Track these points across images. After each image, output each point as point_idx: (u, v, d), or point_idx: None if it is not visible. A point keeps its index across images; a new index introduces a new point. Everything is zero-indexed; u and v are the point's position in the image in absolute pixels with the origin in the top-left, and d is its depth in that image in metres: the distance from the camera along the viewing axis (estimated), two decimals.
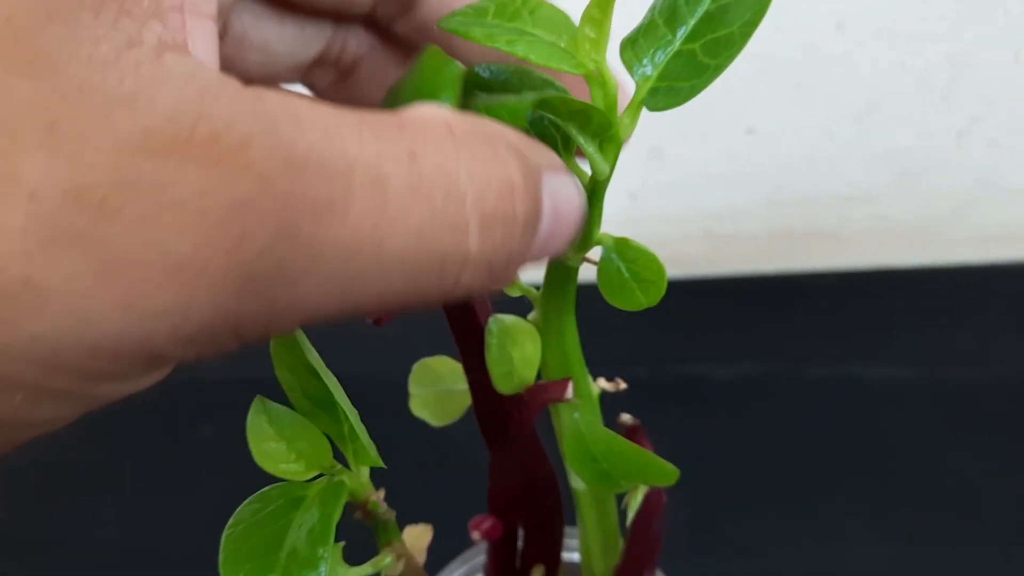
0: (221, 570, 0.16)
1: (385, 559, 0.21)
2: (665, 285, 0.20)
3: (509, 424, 0.23)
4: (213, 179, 0.12)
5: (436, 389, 0.25)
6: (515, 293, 0.23)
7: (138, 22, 0.13)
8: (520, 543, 0.27)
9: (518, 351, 0.21)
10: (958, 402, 0.51)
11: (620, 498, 0.25)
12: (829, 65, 0.50)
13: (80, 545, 0.49)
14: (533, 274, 0.23)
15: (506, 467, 0.24)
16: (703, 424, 0.49)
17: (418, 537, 0.23)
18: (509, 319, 0.21)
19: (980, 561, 0.44)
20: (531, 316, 0.22)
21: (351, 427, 0.17)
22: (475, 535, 0.26)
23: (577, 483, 0.24)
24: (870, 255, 0.58)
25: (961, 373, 0.53)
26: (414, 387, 0.25)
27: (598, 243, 0.20)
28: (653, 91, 0.16)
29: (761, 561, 0.45)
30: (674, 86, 0.16)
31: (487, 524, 0.26)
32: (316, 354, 0.17)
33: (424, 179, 0.14)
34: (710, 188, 0.54)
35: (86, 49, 0.13)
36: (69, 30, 0.13)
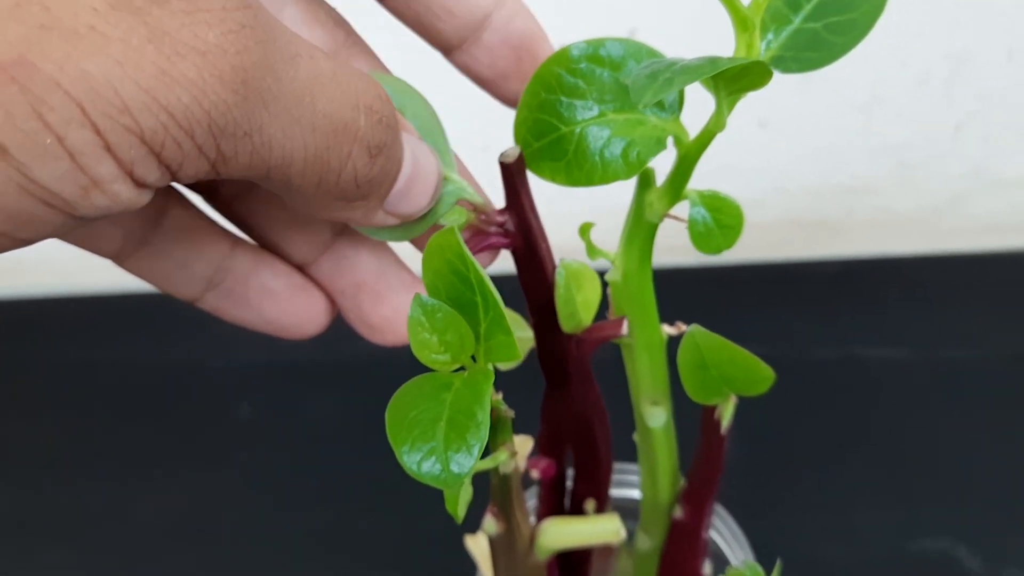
0: (391, 440, 0.18)
1: (502, 455, 0.23)
2: (742, 228, 0.23)
3: (568, 361, 0.25)
4: (234, 6, 0.17)
5: None
6: (593, 257, 0.26)
7: None
8: (569, 483, 0.30)
9: (581, 295, 0.24)
10: (952, 380, 0.55)
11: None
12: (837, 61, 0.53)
13: (117, 524, 0.50)
14: (608, 237, 0.26)
15: (562, 403, 0.27)
16: None
17: (521, 445, 0.25)
18: (575, 264, 0.24)
19: (975, 521, 0.48)
20: (609, 275, 0.25)
21: (487, 327, 0.19)
22: (534, 474, 0.29)
23: (654, 422, 0.27)
24: (871, 244, 0.61)
25: (955, 354, 0.56)
26: None
27: (684, 197, 0.23)
28: (777, 58, 0.19)
29: (777, 523, 0.48)
30: (800, 56, 0.19)
31: (543, 463, 0.29)
32: (470, 255, 0.19)
33: (340, 70, 0.19)
34: (723, 179, 0.56)
35: None
36: None
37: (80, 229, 0.18)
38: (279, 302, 0.26)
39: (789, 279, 0.60)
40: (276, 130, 0.18)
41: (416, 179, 0.21)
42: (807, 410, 0.53)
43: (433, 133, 0.22)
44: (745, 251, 0.62)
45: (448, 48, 0.24)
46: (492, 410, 0.22)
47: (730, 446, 0.28)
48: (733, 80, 0.18)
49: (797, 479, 0.50)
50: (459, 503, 0.21)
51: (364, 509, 0.50)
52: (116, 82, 0.16)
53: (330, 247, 0.26)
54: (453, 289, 0.20)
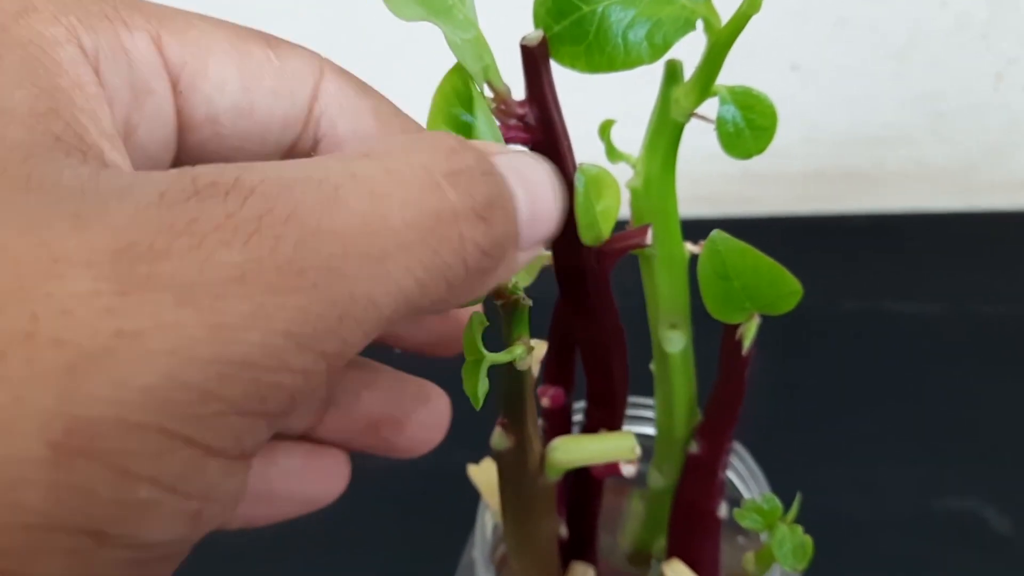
0: None
1: (518, 349, 0.21)
2: (775, 131, 0.21)
3: (587, 276, 0.23)
4: (233, 204, 0.14)
5: None
6: (613, 160, 0.24)
7: (97, 158, 0.15)
8: (578, 416, 0.29)
9: (601, 203, 0.22)
10: (984, 337, 0.53)
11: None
12: (871, 0, 0.51)
13: None
14: (632, 140, 0.24)
15: (577, 322, 0.25)
16: None
17: (536, 347, 0.23)
18: (594, 169, 0.22)
19: (1006, 482, 0.46)
20: (629, 181, 0.23)
21: None
22: (544, 401, 0.28)
23: (672, 346, 0.25)
24: (902, 198, 0.59)
25: (987, 310, 0.54)
26: None
27: (713, 94, 0.21)
28: None
29: (799, 476, 0.46)
30: None
31: (552, 391, 0.27)
32: (481, 94, 0.17)
33: (388, 164, 0.16)
34: None
35: (69, 174, 0.14)
36: (49, 162, 0.14)
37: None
38: (302, 479, 0.24)
39: (815, 233, 0.58)
40: (368, 283, 0.15)
41: (535, 196, 0.18)
42: (834, 363, 0.52)
43: None
44: (770, 203, 0.60)
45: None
46: (508, 299, 0.20)
47: (751, 379, 0.26)
48: None
49: (821, 432, 0.49)
50: (477, 388, 0.19)
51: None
52: (179, 372, 0.13)
53: (332, 403, 0.24)
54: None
